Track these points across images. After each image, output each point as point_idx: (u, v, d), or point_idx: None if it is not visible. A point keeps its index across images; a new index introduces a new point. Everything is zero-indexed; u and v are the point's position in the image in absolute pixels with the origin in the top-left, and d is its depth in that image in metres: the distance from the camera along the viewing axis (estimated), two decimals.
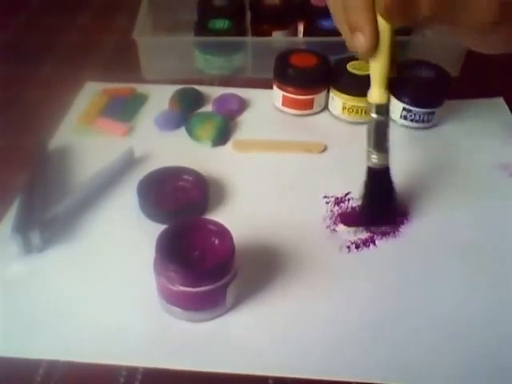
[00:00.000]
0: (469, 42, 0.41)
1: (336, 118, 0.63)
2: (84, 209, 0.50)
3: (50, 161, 0.55)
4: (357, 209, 0.50)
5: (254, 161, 0.57)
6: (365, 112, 0.60)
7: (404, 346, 0.40)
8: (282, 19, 0.72)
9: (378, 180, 0.47)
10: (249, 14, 0.73)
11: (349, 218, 0.50)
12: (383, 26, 0.39)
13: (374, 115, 0.44)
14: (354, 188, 0.52)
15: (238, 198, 0.52)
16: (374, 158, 0.46)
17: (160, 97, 0.64)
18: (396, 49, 0.41)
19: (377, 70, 0.42)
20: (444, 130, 0.62)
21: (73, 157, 0.56)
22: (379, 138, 0.45)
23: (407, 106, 0.60)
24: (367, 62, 0.43)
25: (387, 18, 0.38)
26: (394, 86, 0.60)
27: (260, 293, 0.43)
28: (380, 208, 0.49)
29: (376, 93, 0.44)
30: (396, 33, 0.40)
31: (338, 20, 0.41)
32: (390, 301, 0.43)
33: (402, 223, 0.50)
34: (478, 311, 0.43)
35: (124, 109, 0.63)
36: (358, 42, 0.40)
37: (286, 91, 0.61)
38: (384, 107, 0.44)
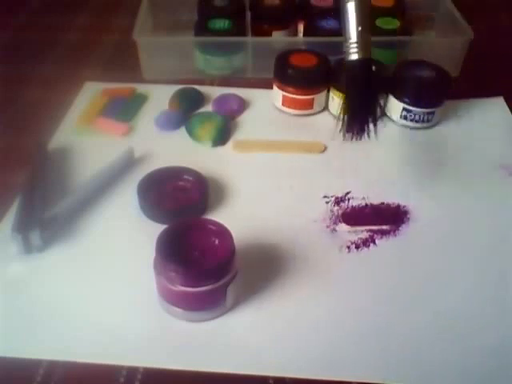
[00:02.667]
0: None
1: (336, 117, 0.63)
2: (84, 209, 0.50)
3: (50, 161, 0.55)
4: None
5: (254, 161, 0.57)
6: None
7: (404, 345, 0.40)
8: (282, 19, 0.72)
9: (359, 76, 0.44)
10: (249, 14, 0.73)
11: (349, 218, 0.50)
12: None
13: None
14: (354, 188, 0.53)
15: (238, 198, 0.52)
16: (353, 48, 0.43)
17: (160, 97, 0.64)
18: None
19: None
20: (444, 129, 0.62)
21: (73, 157, 0.56)
22: (361, 18, 0.42)
23: (407, 106, 0.60)
24: None
25: None
26: (394, 86, 0.61)
27: (260, 293, 0.43)
28: (362, 110, 0.46)
29: None
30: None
31: None
32: (390, 300, 0.43)
33: (402, 222, 0.50)
34: (478, 310, 0.43)
35: (124, 109, 0.63)
36: None
37: (286, 91, 0.61)
38: None
